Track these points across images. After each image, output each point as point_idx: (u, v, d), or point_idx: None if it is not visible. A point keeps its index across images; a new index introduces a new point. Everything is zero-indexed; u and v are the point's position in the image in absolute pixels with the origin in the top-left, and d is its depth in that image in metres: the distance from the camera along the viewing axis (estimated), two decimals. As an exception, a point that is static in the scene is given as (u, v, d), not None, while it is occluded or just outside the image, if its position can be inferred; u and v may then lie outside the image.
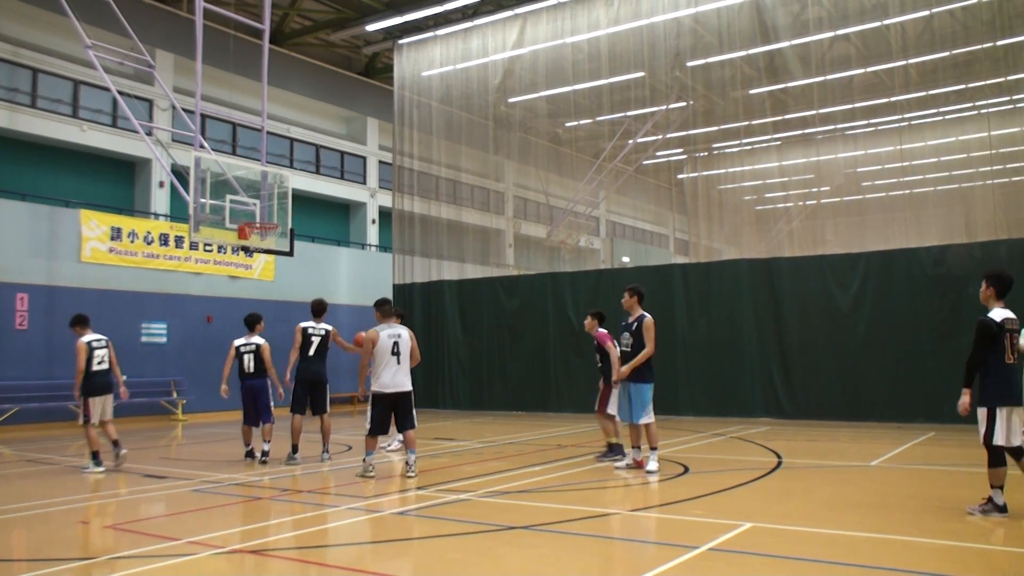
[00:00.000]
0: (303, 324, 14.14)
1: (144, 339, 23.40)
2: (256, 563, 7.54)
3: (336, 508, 10.15)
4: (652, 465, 12.06)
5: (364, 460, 12.28)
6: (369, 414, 12.35)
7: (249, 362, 14.16)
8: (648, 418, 12.12)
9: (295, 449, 14.01)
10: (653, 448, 12.21)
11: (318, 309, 14.33)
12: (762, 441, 16.15)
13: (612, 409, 13.43)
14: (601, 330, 13.87)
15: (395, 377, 12.14)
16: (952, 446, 15.41)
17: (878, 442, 15.77)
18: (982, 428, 8.69)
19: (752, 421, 20.02)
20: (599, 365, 13.85)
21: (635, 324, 12.26)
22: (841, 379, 19.52)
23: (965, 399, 8.80)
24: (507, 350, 25.33)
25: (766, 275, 21.05)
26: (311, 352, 13.98)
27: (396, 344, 12.19)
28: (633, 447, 12.62)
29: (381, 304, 12.66)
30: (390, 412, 12.24)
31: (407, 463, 12.17)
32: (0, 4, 23.36)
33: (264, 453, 13.89)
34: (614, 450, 13.66)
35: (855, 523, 8.54)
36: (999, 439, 8.60)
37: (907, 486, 11.23)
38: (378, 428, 12.25)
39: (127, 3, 20.66)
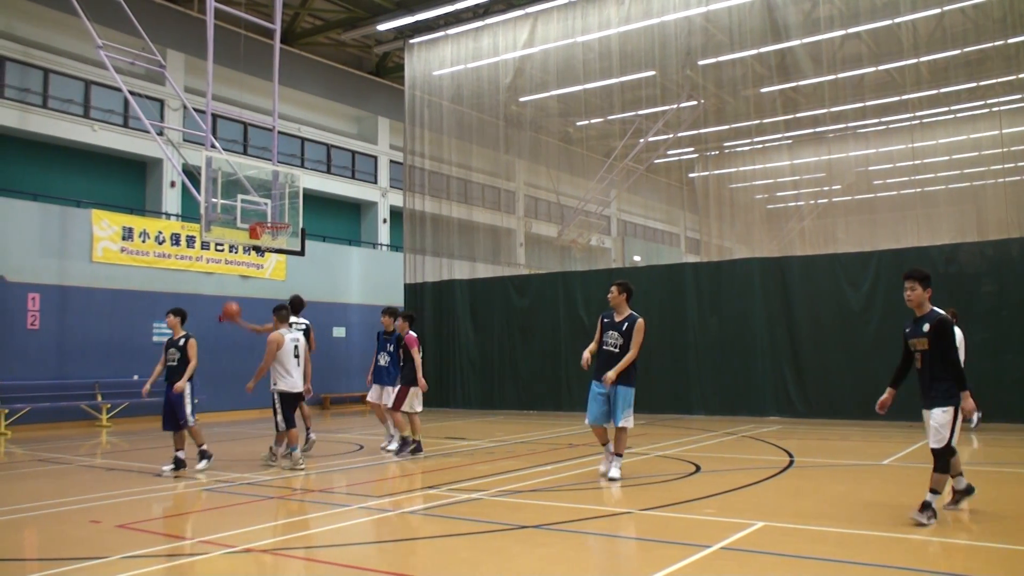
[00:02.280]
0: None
1: (156, 339, 23.41)
2: (268, 562, 7.55)
3: (348, 507, 10.15)
4: (615, 472, 11.39)
5: (292, 454, 13.18)
6: (281, 413, 13.16)
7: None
8: (629, 422, 11.46)
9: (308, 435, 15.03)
10: (619, 455, 11.58)
11: (297, 308, 15.21)
12: (774, 440, 16.12)
13: (409, 407, 14.18)
14: (412, 333, 14.46)
15: (299, 378, 13.37)
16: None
17: (890, 441, 15.73)
18: (946, 432, 8.43)
19: (763, 420, 19.99)
20: (401, 365, 14.48)
21: (625, 324, 11.52)
22: (852, 378, 19.43)
23: (971, 403, 8.49)
24: (518, 349, 25.34)
25: (777, 274, 21.01)
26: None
27: (297, 347, 13.38)
28: (616, 454, 11.66)
29: (279, 310, 13.66)
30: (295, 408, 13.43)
31: (292, 455, 13.19)
32: (11, 4, 23.45)
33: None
34: (408, 443, 14.40)
35: (867, 522, 8.52)
36: (956, 439, 8.52)
37: (919, 485, 11.15)
38: (294, 423, 13.27)
39: (138, 3, 20.70)
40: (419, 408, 14.31)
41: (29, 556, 8.14)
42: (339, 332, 28.42)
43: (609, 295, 11.78)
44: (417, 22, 27.20)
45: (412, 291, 27.73)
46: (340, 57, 32.63)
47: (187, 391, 13.20)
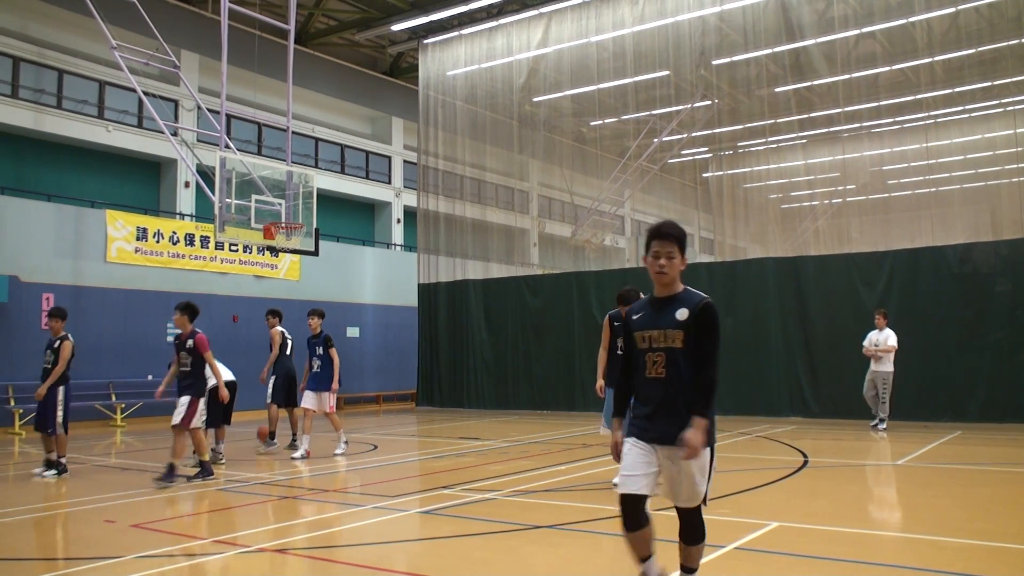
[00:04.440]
0: (281, 328, 15.64)
1: (170, 339, 23.49)
2: (282, 562, 7.56)
3: (362, 507, 10.16)
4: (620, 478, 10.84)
5: (215, 449, 13.71)
6: (206, 411, 13.35)
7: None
8: None
9: (272, 436, 15.39)
10: None
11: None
12: (788, 440, 16.07)
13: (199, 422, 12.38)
14: (200, 334, 12.25)
15: (226, 375, 13.71)
16: (979, 445, 15.31)
17: (904, 441, 15.68)
18: (704, 484, 5.72)
19: (778, 420, 19.94)
20: (187, 370, 12.13)
21: None
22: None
23: (700, 436, 5.59)
24: (532, 349, 25.36)
25: (792, 274, 20.97)
26: (288, 351, 15.50)
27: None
28: None
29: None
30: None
31: (218, 452, 13.75)
32: (26, 6, 23.54)
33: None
34: (207, 469, 12.21)
35: (881, 522, 8.50)
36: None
37: (934, 485, 11.15)
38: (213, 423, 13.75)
39: (152, 4, 20.76)
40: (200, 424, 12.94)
41: (44, 556, 8.17)
42: (353, 332, 28.43)
43: (621, 310, 10.76)
44: (431, 22, 27.27)
45: (426, 291, 27.77)
46: (354, 57, 32.67)
47: (59, 397, 12.55)
